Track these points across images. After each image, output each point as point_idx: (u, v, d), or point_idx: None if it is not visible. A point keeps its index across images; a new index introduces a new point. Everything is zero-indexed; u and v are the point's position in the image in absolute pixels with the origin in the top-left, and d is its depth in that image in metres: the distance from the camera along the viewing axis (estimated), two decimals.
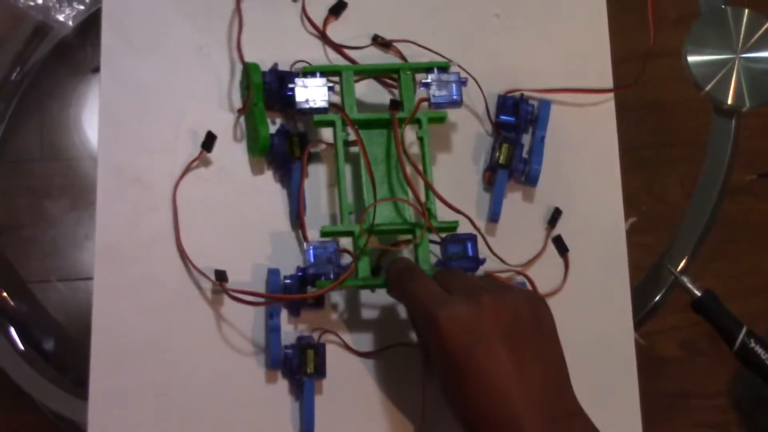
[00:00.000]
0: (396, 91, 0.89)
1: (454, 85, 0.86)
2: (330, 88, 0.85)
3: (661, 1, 0.97)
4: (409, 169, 0.83)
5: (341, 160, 0.83)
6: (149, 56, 0.88)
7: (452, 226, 0.83)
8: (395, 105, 0.85)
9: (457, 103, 0.86)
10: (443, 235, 0.83)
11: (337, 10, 0.92)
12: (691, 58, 1.08)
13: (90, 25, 1.24)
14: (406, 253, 0.85)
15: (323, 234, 0.82)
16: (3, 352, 1.16)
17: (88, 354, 0.82)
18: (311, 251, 0.81)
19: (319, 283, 0.80)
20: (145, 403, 0.81)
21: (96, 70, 1.32)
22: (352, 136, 0.84)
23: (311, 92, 0.84)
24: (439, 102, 0.86)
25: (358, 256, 0.81)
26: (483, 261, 0.83)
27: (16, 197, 1.36)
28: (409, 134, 0.87)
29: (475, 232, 0.84)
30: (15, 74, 1.26)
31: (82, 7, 1.12)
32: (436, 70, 0.86)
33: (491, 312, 0.70)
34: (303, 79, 0.84)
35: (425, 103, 0.86)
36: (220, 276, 0.81)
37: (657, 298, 1.03)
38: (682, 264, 1.06)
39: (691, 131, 1.59)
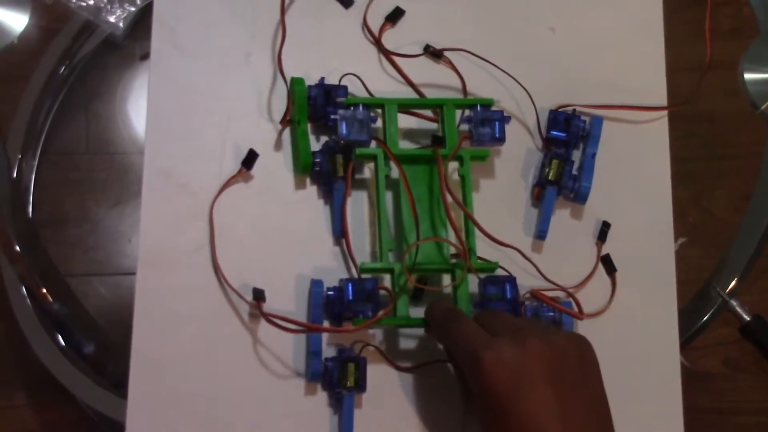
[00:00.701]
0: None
1: (497, 123, 0.85)
2: (373, 120, 0.84)
3: (715, 12, 0.95)
4: (451, 205, 0.82)
5: (382, 196, 0.82)
6: (198, 61, 0.87)
7: (492, 267, 0.82)
8: (438, 141, 0.84)
9: (499, 141, 0.86)
10: (482, 275, 0.82)
11: (393, 18, 0.91)
12: (748, 76, 1.05)
13: (139, 21, 1.24)
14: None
15: (363, 271, 0.81)
16: (43, 347, 1.17)
17: (124, 353, 0.81)
18: (350, 288, 0.80)
19: (356, 321, 0.79)
20: (182, 411, 0.81)
21: (145, 57, 1.32)
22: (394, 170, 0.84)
23: (354, 124, 0.83)
24: (482, 140, 0.85)
25: (398, 295, 0.80)
26: (522, 305, 0.83)
27: (61, 191, 1.37)
28: (449, 165, 0.86)
29: (525, 263, 0.84)
30: (63, 68, 1.26)
31: (132, 9, 1.11)
32: (479, 107, 0.86)
33: (537, 354, 0.70)
34: (345, 111, 0.83)
35: (467, 140, 0.85)
36: (258, 295, 0.81)
37: (704, 319, 1.01)
38: (731, 286, 1.04)
39: (742, 145, 1.57)
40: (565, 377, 0.70)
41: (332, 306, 0.82)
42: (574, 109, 0.89)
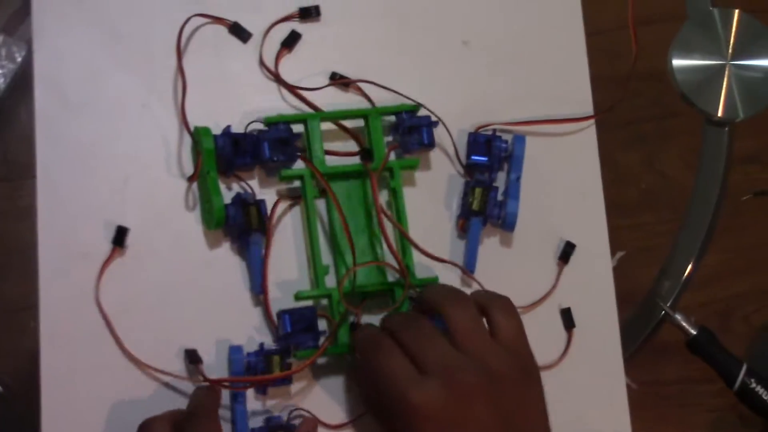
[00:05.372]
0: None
1: (424, 129, 0.82)
2: (296, 137, 0.80)
3: None
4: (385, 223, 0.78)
5: (313, 218, 0.79)
6: (88, 115, 0.80)
7: (432, 282, 0.80)
8: (366, 154, 0.80)
9: (429, 147, 0.82)
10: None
11: (290, 43, 0.84)
12: (676, 63, 1.00)
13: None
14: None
15: (298, 298, 0.77)
16: None
17: None
18: (287, 319, 0.76)
19: (299, 354, 0.76)
20: None
21: None
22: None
23: (278, 144, 0.79)
24: (411, 147, 0.82)
25: (339, 323, 0.76)
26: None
27: None
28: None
29: (468, 285, 0.83)
30: None
31: (12, 66, 1.04)
32: (404, 114, 0.82)
33: (469, 397, 0.66)
34: (266, 131, 0.79)
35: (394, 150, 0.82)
36: (193, 357, 0.76)
37: (647, 332, 0.97)
38: (674, 296, 0.99)
39: None
40: (504, 404, 0.67)
41: (254, 371, 0.77)
42: (494, 130, 0.84)
